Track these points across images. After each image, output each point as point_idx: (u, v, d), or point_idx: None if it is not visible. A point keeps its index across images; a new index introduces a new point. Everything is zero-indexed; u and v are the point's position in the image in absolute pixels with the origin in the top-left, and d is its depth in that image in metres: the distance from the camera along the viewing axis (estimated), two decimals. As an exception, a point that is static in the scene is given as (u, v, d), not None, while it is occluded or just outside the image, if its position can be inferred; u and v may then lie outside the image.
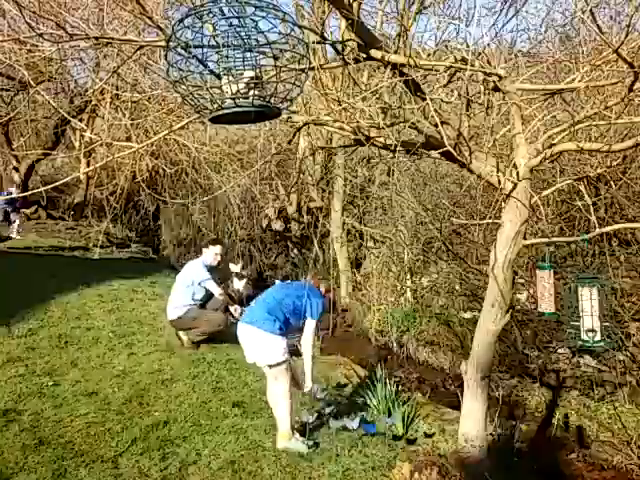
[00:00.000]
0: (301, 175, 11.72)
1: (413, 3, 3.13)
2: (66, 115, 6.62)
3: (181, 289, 5.62)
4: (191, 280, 5.58)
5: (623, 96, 2.63)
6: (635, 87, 2.45)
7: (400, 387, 5.13)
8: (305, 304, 3.77)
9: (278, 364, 3.54)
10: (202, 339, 5.49)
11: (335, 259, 10.35)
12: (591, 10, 2.33)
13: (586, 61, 3.17)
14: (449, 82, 3.10)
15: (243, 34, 1.82)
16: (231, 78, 1.83)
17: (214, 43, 1.84)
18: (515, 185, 2.96)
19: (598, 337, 3.25)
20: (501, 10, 4.07)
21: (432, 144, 3.25)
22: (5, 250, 9.08)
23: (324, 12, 3.48)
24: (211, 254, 5.73)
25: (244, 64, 1.88)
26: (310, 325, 3.83)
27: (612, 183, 5.99)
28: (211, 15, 1.81)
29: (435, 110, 2.73)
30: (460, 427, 3.42)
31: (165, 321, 5.77)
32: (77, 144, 12.48)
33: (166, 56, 1.88)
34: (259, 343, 3.59)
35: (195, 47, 1.86)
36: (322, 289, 4.01)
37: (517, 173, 2.95)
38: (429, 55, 3.33)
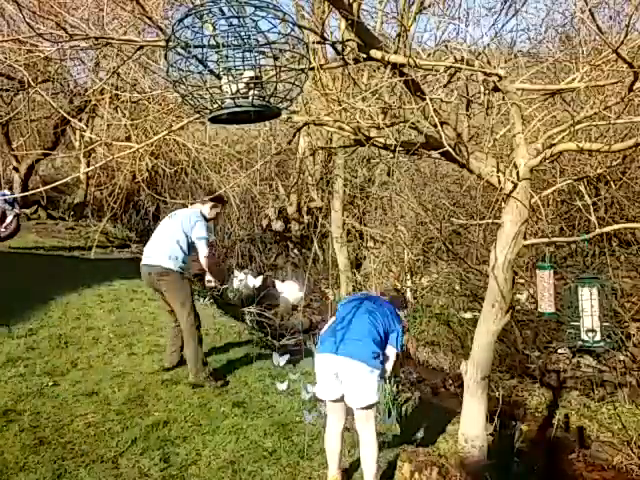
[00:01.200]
0: (301, 175, 11.72)
1: (413, 3, 3.14)
2: (66, 115, 6.62)
3: (169, 240, 4.48)
4: (184, 231, 4.48)
5: (623, 96, 2.63)
6: (635, 87, 2.46)
7: (400, 387, 5.13)
8: (390, 332, 3.18)
9: (374, 404, 3.08)
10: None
11: (335, 259, 10.35)
12: (590, 10, 2.33)
13: (586, 61, 3.17)
14: (449, 82, 3.10)
15: (243, 34, 1.82)
16: (231, 78, 1.83)
17: (214, 43, 1.84)
18: (515, 185, 2.96)
19: (598, 337, 3.26)
20: (501, 10, 4.08)
21: (432, 144, 3.25)
22: (6, 250, 9.07)
23: (324, 12, 3.48)
24: (213, 212, 4.74)
25: (244, 64, 1.88)
26: (393, 357, 3.20)
27: (612, 183, 6.00)
28: (211, 15, 1.81)
29: (435, 110, 2.73)
30: (460, 427, 3.42)
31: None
32: (77, 144, 12.49)
33: (166, 56, 1.88)
34: (364, 381, 2.97)
35: (195, 47, 1.86)
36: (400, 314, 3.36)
37: (517, 173, 2.95)
38: (429, 55, 3.34)
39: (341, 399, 3.07)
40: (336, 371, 3.00)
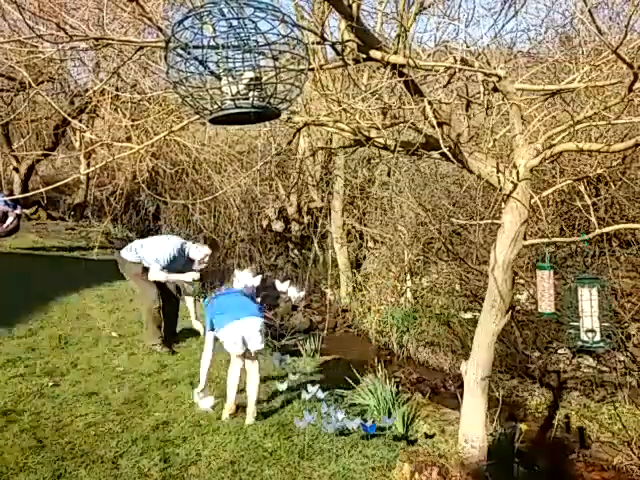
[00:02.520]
0: (301, 175, 11.73)
1: (412, 4, 3.14)
2: (66, 116, 6.62)
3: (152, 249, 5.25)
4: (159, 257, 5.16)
5: (623, 96, 2.63)
6: (634, 87, 2.46)
7: (400, 387, 5.13)
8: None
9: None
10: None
11: (335, 259, 10.36)
12: (590, 11, 2.33)
13: (586, 61, 3.17)
14: (449, 82, 3.10)
15: (243, 35, 1.82)
16: (231, 79, 1.83)
17: (214, 44, 1.84)
18: (515, 185, 2.96)
19: (598, 337, 3.26)
20: (501, 11, 4.09)
21: (432, 144, 3.26)
22: (6, 250, 9.07)
23: (324, 13, 3.48)
24: (201, 253, 5.38)
25: (244, 65, 1.88)
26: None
27: (612, 183, 6.00)
28: (211, 16, 1.81)
29: (434, 111, 2.73)
30: (460, 427, 3.42)
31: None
32: (77, 145, 12.49)
33: (166, 57, 1.89)
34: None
35: (195, 48, 1.86)
36: None
37: (517, 173, 2.95)
38: (429, 56, 3.34)
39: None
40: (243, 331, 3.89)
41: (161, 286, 5.35)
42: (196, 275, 5.14)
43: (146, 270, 5.21)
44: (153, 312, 5.26)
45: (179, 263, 5.26)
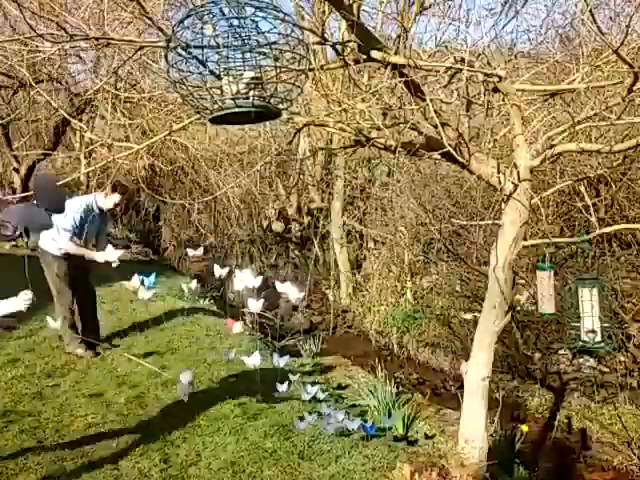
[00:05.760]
0: (301, 176, 11.72)
1: (413, 4, 3.14)
2: (66, 115, 6.61)
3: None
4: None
5: (623, 97, 2.63)
6: (635, 88, 2.46)
7: (400, 388, 5.12)
8: None
9: None
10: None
11: (335, 260, 10.35)
12: (591, 11, 2.33)
13: (586, 62, 3.17)
14: (449, 83, 3.10)
15: (243, 35, 1.82)
16: (231, 79, 1.83)
17: (214, 44, 1.84)
18: (515, 186, 2.96)
19: (599, 338, 3.26)
20: (501, 11, 4.09)
21: (432, 145, 3.25)
22: (6, 251, 9.05)
23: (324, 13, 3.49)
24: (110, 202, 4.80)
25: (244, 65, 1.88)
26: None
27: (612, 184, 5.99)
28: (211, 16, 1.81)
29: (435, 111, 2.73)
30: (460, 428, 3.41)
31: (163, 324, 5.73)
32: (77, 145, 12.49)
33: (166, 57, 1.89)
34: None
35: (195, 48, 1.86)
36: None
37: (517, 174, 2.95)
38: (429, 56, 3.34)
39: None
40: None
41: (77, 278, 4.90)
42: (112, 257, 4.77)
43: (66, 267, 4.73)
44: (66, 314, 4.79)
45: (93, 226, 4.80)
